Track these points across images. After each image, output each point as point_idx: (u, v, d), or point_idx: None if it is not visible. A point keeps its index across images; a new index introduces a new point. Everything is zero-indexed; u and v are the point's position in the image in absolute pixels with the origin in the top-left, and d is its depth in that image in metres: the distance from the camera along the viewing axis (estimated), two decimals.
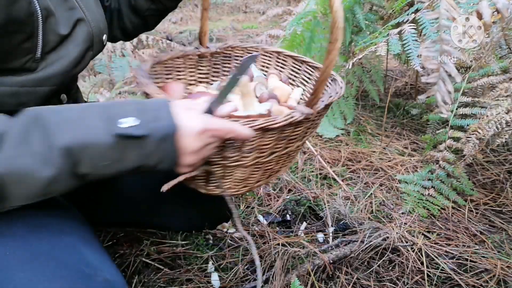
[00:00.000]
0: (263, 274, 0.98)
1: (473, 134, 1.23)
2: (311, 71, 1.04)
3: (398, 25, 1.20)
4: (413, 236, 1.16)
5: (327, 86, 0.92)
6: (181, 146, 0.65)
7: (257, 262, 0.80)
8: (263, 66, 1.11)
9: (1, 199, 0.57)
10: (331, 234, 1.16)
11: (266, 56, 1.11)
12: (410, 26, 1.11)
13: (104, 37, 0.90)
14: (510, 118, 1.17)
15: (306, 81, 1.05)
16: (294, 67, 1.09)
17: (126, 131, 0.59)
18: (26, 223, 0.67)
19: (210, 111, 0.74)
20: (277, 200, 1.33)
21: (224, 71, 1.09)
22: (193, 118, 0.67)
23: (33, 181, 0.56)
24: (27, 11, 0.64)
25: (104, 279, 0.63)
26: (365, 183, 1.44)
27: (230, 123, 0.69)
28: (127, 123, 0.60)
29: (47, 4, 0.69)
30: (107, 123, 0.60)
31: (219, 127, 0.68)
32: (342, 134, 1.78)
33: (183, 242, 1.11)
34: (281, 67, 1.10)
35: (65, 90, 0.85)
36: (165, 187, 0.73)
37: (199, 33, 1.00)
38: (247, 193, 1.29)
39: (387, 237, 1.11)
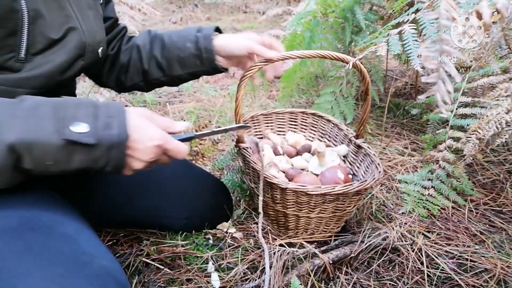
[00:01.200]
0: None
1: (473, 134, 1.23)
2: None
3: (398, 25, 1.19)
4: (413, 236, 1.16)
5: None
6: (130, 155, 0.65)
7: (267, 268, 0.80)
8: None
9: None
10: None
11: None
12: (410, 26, 1.11)
13: (100, 50, 0.90)
14: (510, 118, 1.17)
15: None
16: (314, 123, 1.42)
17: (75, 138, 0.59)
18: (18, 216, 0.67)
19: (187, 139, 0.76)
20: None
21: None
22: (149, 131, 0.66)
23: None
24: (10, 7, 0.65)
25: (100, 265, 0.63)
26: None
27: (182, 145, 0.70)
28: (78, 128, 0.60)
29: (37, 6, 0.69)
30: (58, 125, 0.59)
31: (174, 147, 0.69)
32: None
33: (183, 242, 1.11)
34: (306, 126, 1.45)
35: (51, 95, 0.85)
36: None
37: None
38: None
39: (387, 237, 1.11)
